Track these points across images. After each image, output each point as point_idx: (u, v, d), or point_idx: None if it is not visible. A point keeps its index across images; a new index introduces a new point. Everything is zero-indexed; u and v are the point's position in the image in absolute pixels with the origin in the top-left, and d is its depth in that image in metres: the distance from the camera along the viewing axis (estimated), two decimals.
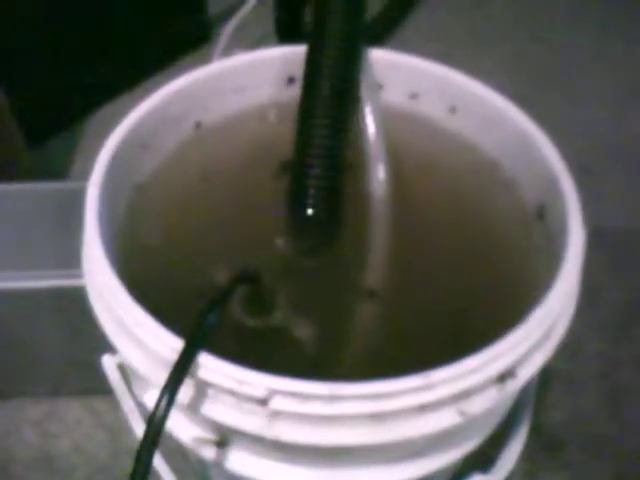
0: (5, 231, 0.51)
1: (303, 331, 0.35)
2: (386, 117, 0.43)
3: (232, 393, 0.28)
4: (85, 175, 0.36)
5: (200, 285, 0.36)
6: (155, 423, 0.27)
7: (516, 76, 0.87)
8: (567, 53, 0.95)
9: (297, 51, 0.43)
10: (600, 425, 0.58)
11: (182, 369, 0.27)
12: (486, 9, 1.03)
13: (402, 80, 0.45)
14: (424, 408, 0.28)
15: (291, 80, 0.45)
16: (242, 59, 0.44)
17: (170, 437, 0.34)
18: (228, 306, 0.32)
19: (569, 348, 0.33)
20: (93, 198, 0.34)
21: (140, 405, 0.38)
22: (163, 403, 0.27)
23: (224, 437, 0.33)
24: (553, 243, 0.35)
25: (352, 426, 0.28)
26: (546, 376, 0.60)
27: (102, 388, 0.41)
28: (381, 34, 0.94)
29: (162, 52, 0.88)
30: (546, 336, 0.31)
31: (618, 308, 0.66)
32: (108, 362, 0.40)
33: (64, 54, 0.78)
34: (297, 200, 0.40)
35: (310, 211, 0.40)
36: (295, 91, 0.43)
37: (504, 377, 0.30)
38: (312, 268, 0.40)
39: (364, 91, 0.43)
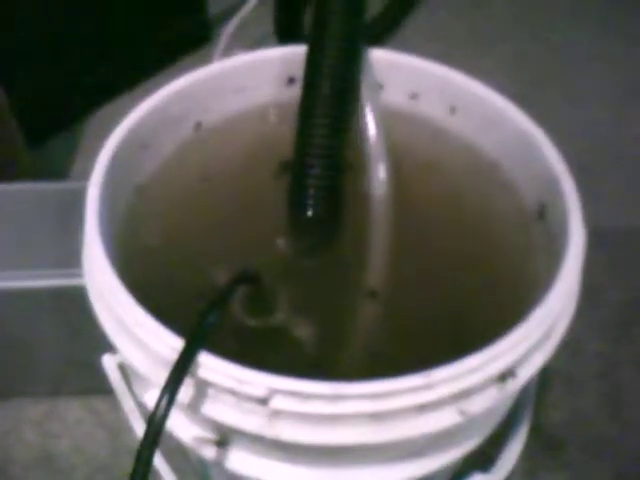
0: (5, 231, 0.51)
1: (303, 331, 0.35)
2: (386, 117, 0.43)
3: (232, 392, 0.28)
4: (85, 175, 0.36)
5: (200, 285, 0.36)
6: (155, 423, 0.27)
7: (516, 76, 0.87)
8: (567, 53, 0.95)
9: (297, 51, 0.43)
10: (600, 425, 0.58)
11: (182, 369, 0.27)
12: (486, 9, 1.03)
13: (402, 80, 0.45)
14: (424, 407, 0.28)
15: (291, 80, 0.45)
16: (242, 59, 0.44)
17: (170, 437, 0.33)
18: (228, 306, 0.32)
19: (569, 348, 0.33)
20: (93, 198, 0.34)
21: (140, 405, 0.38)
22: (163, 403, 0.27)
23: (224, 437, 0.33)
24: (553, 243, 0.35)
25: (352, 425, 0.28)
26: (546, 376, 0.60)
27: (102, 388, 0.41)
28: (381, 34, 0.94)
29: (162, 52, 0.88)
30: (546, 336, 0.31)
31: (618, 308, 0.66)
32: (108, 362, 0.40)
33: (64, 54, 0.78)
34: (297, 200, 0.40)
35: (310, 211, 0.40)
36: (295, 91, 0.43)
37: (504, 377, 0.30)
38: (312, 268, 0.40)
39: (364, 91, 0.43)
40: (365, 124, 0.43)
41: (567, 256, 0.32)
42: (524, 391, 0.40)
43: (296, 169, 0.40)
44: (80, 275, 0.35)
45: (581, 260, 0.33)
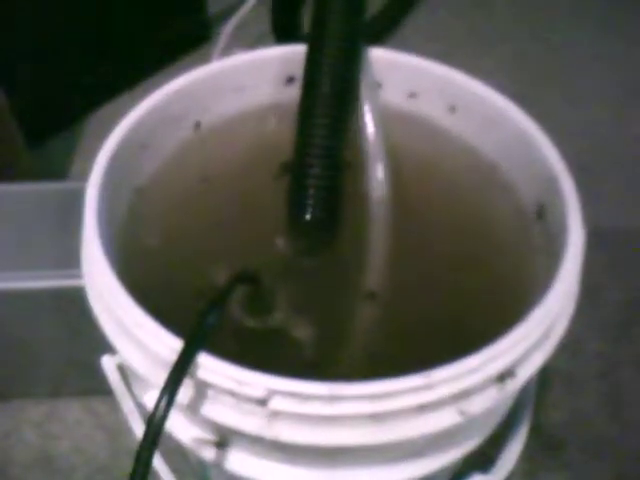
0: (5, 231, 0.51)
1: (303, 332, 0.35)
2: (385, 117, 0.43)
3: (231, 393, 0.28)
4: (85, 175, 0.36)
5: (200, 286, 0.36)
6: (155, 424, 0.27)
7: (516, 76, 0.87)
8: (567, 53, 0.95)
9: (296, 50, 0.43)
10: (600, 425, 0.58)
11: (181, 369, 0.27)
12: (486, 9, 1.03)
13: (401, 79, 0.45)
14: (424, 408, 0.28)
15: (290, 80, 0.45)
16: (242, 59, 0.44)
17: (170, 437, 0.33)
18: (228, 306, 0.32)
19: (569, 348, 0.33)
20: (92, 198, 0.34)
21: (140, 406, 0.38)
22: (163, 403, 0.27)
23: (224, 437, 0.32)
24: (553, 243, 0.35)
25: (352, 426, 0.28)
26: (546, 376, 0.60)
27: (102, 389, 0.41)
28: (381, 33, 0.93)
29: (162, 52, 0.88)
30: (546, 336, 0.31)
31: (618, 308, 0.66)
32: (108, 363, 0.40)
33: (64, 54, 0.78)
34: (297, 200, 0.40)
35: (310, 211, 0.40)
36: (295, 91, 0.43)
37: (504, 377, 0.30)
38: (312, 268, 0.40)
39: (363, 90, 0.43)
40: (364, 123, 0.43)
41: (566, 256, 0.32)
42: (524, 391, 0.40)
43: (296, 169, 0.40)
44: (80, 276, 0.35)
45: (580, 260, 0.33)
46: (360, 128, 0.43)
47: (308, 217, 0.40)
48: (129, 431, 0.39)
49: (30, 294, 0.49)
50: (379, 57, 0.44)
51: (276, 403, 0.28)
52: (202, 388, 0.29)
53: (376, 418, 0.28)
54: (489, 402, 0.29)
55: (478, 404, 0.29)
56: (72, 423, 0.58)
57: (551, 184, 0.36)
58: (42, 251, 0.50)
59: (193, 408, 0.29)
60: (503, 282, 0.38)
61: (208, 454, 0.33)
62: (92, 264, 0.33)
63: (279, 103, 0.46)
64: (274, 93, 0.46)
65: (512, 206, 0.41)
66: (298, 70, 0.42)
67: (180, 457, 0.40)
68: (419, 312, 0.37)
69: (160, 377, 0.27)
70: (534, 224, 0.39)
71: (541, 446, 0.56)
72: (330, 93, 0.40)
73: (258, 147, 0.45)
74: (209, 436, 0.33)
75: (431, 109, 0.44)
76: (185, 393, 0.29)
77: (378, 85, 0.45)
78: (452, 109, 0.44)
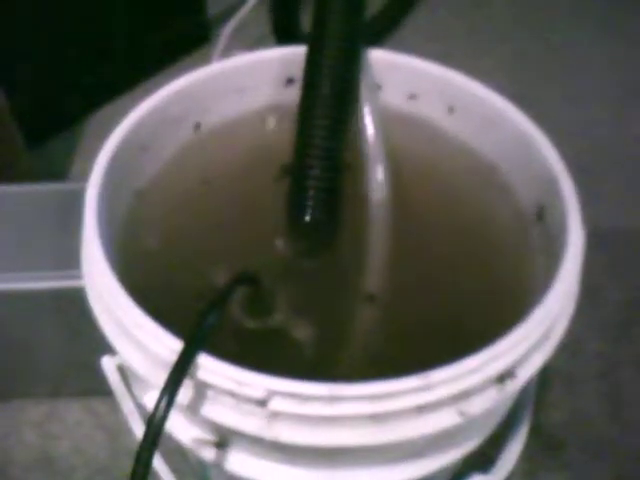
0: (4, 232, 0.51)
1: (302, 333, 0.35)
2: (385, 118, 0.43)
3: (231, 394, 0.28)
4: (85, 176, 0.36)
5: (200, 287, 0.36)
6: (155, 424, 0.27)
7: (516, 76, 0.87)
8: (567, 53, 0.95)
9: (296, 52, 0.43)
10: (600, 425, 0.58)
11: (181, 370, 0.27)
12: (486, 9, 1.03)
13: (401, 81, 0.45)
14: (424, 408, 0.28)
15: (290, 81, 0.45)
16: (242, 60, 0.44)
17: (170, 438, 0.33)
18: (227, 307, 0.32)
19: (569, 348, 0.33)
20: (92, 199, 0.34)
21: (140, 406, 0.38)
22: (163, 404, 0.27)
23: (224, 438, 0.33)
24: (552, 244, 0.35)
25: (352, 427, 0.28)
26: (546, 376, 0.60)
27: (102, 389, 0.41)
28: (381, 33, 0.93)
29: (162, 53, 0.88)
30: (545, 336, 0.31)
31: (618, 308, 0.66)
32: (108, 363, 0.40)
33: (64, 55, 0.78)
34: (296, 201, 0.40)
35: (309, 212, 0.40)
36: (295, 92, 0.43)
37: (503, 377, 0.30)
38: (312, 270, 0.40)
39: (363, 91, 0.43)
40: (364, 125, 0.43)
41: (566, 257, 0.32)
42: (524, 391, 0.40)
43: (296, 170, 0.40)
44: (80, 277, 0.35)
45: (580, 261, 0.33)
46: (360, 130, 0.43)
47: (308, 218, 0.40)
48: (129, 431, 0.39)
49: (30, 295, 0.49)
50: (379, 58, 0.44)
51: (276, 404, 0.28)
52: (202, 389, 0.29)
53: (376, 419, 0.28)
54: (489, 403, 0.29)
55: (478, 405, 0.29)
56: (72, 423, 0.58)
57: (551, 185, 0.36)
58: (42, 252, 0.50)
59: (193, 409, 0.29)
60: (503, 283, 0.38)
61: (208, 454, 0.33)
62: (92, 265, 0.33)
63: (279, 104, 0.46)
64: (274, 94, 0.46)
65: (512, 207, 0.41)
66: (298, 71, 0.42)
67: (180, 457, 0.40)
68: (419, 313, 0.37)
69: (160, 378, 0.27)
70: (534, 225, 0.39)
71: (541, 446, 0.56)
72: (330, 94, 0.40)
73: (258, 148, 0.45)
74: (209, 436, 0.33)
75: (431, 110, 0.45)
76: (185, 394, 0.29)
77: (378, 86, 0.45)
78: (451, 110, 0.44)
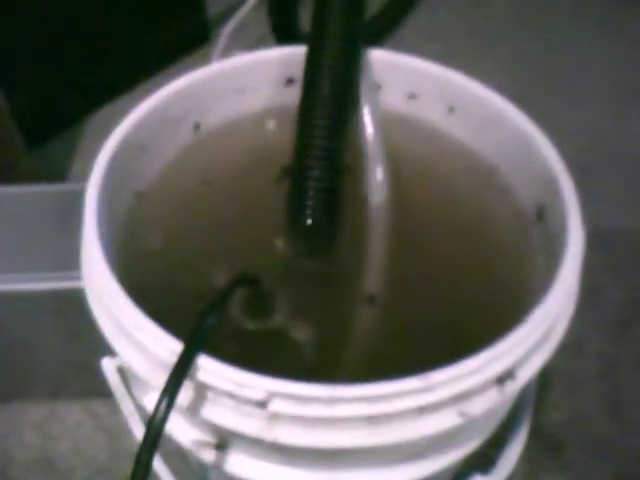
0: (4, 233, 0.51)
1: (302, 334, 0.35)
2: (385, 118, 0.43)
3: (231, 396, 0.28)
4: (85, 176, 0.36)
5: (200, 288, 0.36)
6: (155, 426, 0.27)
7: (516, 76, 0.87)
8: (567, 53, 0.95)
9: (296, 52, 0.43)
10: (600, 425, 0.58)
11: (181, 371, 0.27)
12: (486, 9, 1.02)
13: (401, 81, 0.45)
14: (424, 410, 0.28)
15: (290, 81, 0.45)
16: (241, 60, 0.44)
17: (170, 440, 0.33)
18: (227, 308, 0.32)
19: (569, 348, 0.33)
20: (92, 199, 0.34)
21: (140, 408, 0.38)
22: (162, 406, 0.27)
23: (223, 440, 0.32)
24: (552, 244, 0.35)
25: (352, 428, 0.28)
26: (546, 376, 0.59)
27: (102, 391, 0.41)
28: (381, 33, 0.93)
29: (161, 53, 0.88)
30: (545, 337, 0.31)
31: (618, 308, 0.66)
32: (107, 365, 0.40)
33: (64, 55, 0.78)
34: (296, 202, 0.40)
35: (309, 213, 0.39)
36: (295, 92, 0.42)
37: (504, 379, 0.30)
38: (312, 271, 0.40)
39: (363, 91, 0.43)
40: (363, 125, 0.43)
41: (566, 257, 0.32)
42: (524, 392, 0.40)
43: (295, 171, 0.40)
44: (79, 278, 0.35)
45: (580, 261, 0.33)
46: (360, 130, 0.43)
47: (308, 219, 0.39)
48: (129, 433, 0.39)
49: (30, 296, 0.49)
50: (379, 58, 0.44)
51: (276, 405, 0.28)
52: (202, 390, 0.29)
53: (376, 420, 0.28)
54: (489, 404, 0.29)
55: (478, 406, 0.29)
56: (72, 425, 0.58)
57: (551, 185, 0.36)
58: (42, 253, 0.50)
59: (193, 410, 0.29)
60: (503, 284, 0.38)
61: (208, 456, 0.33)
62: (92, 266, 0.33)
63: (279, 104, 0.46)
64: (274, 94, 0.46)
65: (511, 208, 0.41)
66: (298, 71, 0.42)
67: (180, 459, 0.40)
68: (419, 315, 0.37)
69: (160, 379, 0.27)
70: (534, 225, 0.39)
71: (541, 447, 0.56)
72: (330, 94, 0.40)
73: (258, 149, 0.45)
74: (209, 438, 0.33)
75: (431, 110, 0.44)
76: (185, 395, 0.29)
77: (378, 86, 0.45)
78: (451, 110, 0.44)
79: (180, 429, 0.34)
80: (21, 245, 0.50)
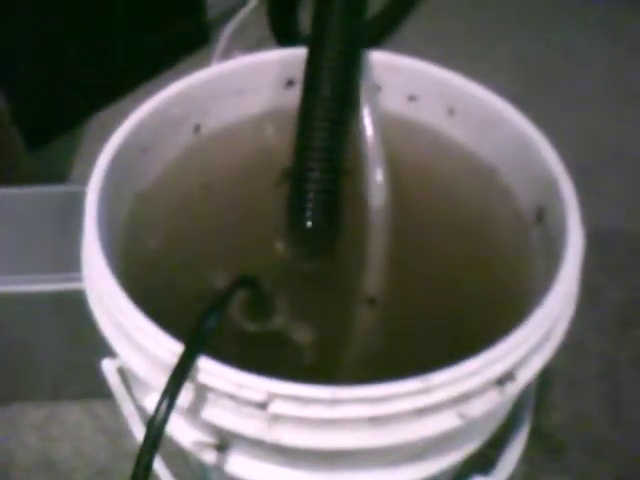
0: (5, 235, 0.51)
1: (302, 336, 0.35)
2: (384, 120, 0.43)
3: (232, 397, 0.28)
4: (85, 178, 0.36)
5: (200, 290, 0.36)
6: (155, 427, 0.27)
7: (516, 77, 0.87)
8: (567, 54, 0.95)
9: (296, 53, 0.43)
10: (600, 426, 0.58)
11: (182, 373, 0.27)
12: (486, 9, 1.03)
13: (401, 82, 0.45)
14: (424, 411, 0.28)
15: (290, 83, 0.45)
16: (242, 62, 0.44)
17: (170, 441, 0.33)
18: (228, 310, 0.32)
19: (569, 348, 0.33)
20: (93, 201, 0.34)
21: (140, 409, 0.38)
22: (163, 407, 0.27)
23: (224, 441, 0.33)
24: (552, 245, 0.35)
25: (352, 429, 0.28)
26: (546, 377, 0.59)
27: (102, 392, 0.41)
28: (381, 33, 0.93)
29: (161, 54, 0.88)
30: (545, 338, 0.31)
31: (618, 308, 0.66)
32: (108, 366, 0.40)
33: (64, 56, 0.78)
34: (296, 204, 0.40)
35: (309, 215, 0.40)
36: (295, 94, 0.43)
37: (504, 380, 0.30)
38: (312, 273, 0.40)
39: (363, 93, 0.43)
40: (363, 127, 0.43)
41: (566, 258, 0.32)
42: (524, 393, 0.40)
43: (296, 173, 0.40)
44: (80, 279, 0.35)
45: (580, 262, 0.33)
46: (359, 132, 0.43)
47: (308, 221, 0.40)
48: (129, 434, 0.39)
49: (30, 297, 0.49)
50: (379, 60, 0.44)
51: (276, 406, 0.28)
52: (202, 391, 0.29)
53: (376, 421, 0.28)
54: (489, 405, 0.29)
55: (478, 407, 0.29)
56: (72, 426, 0.58)
57: (550, 186, 0.36)
58: (42, 254, 0.50)
59: (193, 411, 0.29)
60: (503, 285, 0.38)
61: (209, 457, 0.33)
62: (92, 267, 0.33)
63: (279, 106, 0.46)
64: (274, 96, 0.46)
65: (511, 209, 0.41)
66: (298, 73, 0.42)
67: (181, 460, 0.40)
68: (419, 316, 0.37)
69: (160, 380, 0.27)
70: (534, 227, 0.39)
71: (541, 448, 0.56)
72: (330, 96, 0.40)
73: (258, 151, 0.45)
74: (209, 439, 0.33)
75: (431, 112, 0.45)
76: (185, 396, 0.29)
77: (378, 88, 0.45)
78: (451, 112, 0.44)
79: (181, 430, 0.34)
80: (22, 247, 0.50)
